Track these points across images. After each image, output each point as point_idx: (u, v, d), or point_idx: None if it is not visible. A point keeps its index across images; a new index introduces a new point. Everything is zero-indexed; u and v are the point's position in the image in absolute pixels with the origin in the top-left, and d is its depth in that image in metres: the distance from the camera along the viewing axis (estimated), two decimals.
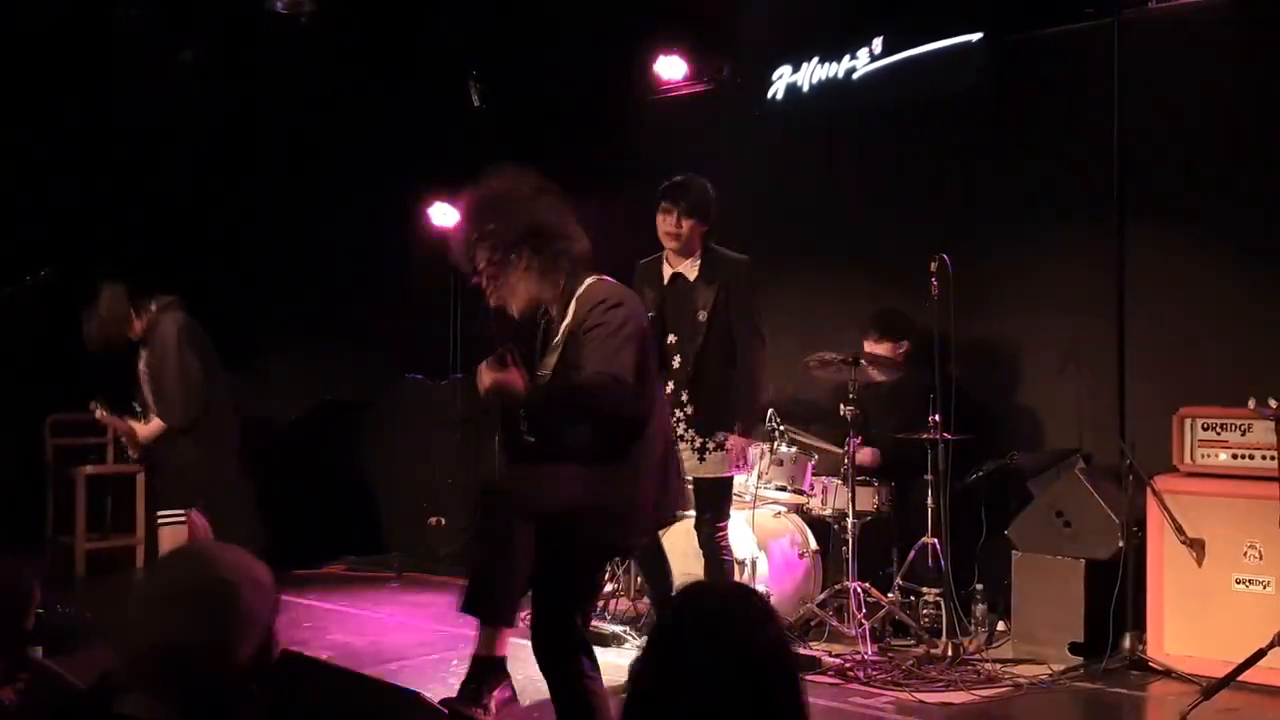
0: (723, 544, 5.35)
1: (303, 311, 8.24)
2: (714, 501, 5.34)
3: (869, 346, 6.32)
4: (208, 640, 1.92)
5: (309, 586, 7.41)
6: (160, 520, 6.33)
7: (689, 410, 5.30)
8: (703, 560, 5.43)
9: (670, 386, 5.28)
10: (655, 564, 5.44)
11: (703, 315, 5.30)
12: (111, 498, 7.97)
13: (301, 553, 7.71)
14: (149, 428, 6.20)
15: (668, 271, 5.45)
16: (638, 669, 1.90)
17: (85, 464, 7.82)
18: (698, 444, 5.30)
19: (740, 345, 5.35)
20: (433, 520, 8.66)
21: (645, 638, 1.89)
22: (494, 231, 3.71)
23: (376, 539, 8.53)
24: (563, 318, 3.79)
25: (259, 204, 8.19)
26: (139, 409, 6.33)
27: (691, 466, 5.21)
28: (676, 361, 5.33)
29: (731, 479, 5.44)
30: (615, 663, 4.87)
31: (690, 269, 5.39)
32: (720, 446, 5.28)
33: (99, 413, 6.32)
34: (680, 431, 5.24)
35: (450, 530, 8.61)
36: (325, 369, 8.67)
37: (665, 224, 5.33)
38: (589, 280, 3.82)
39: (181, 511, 6.32)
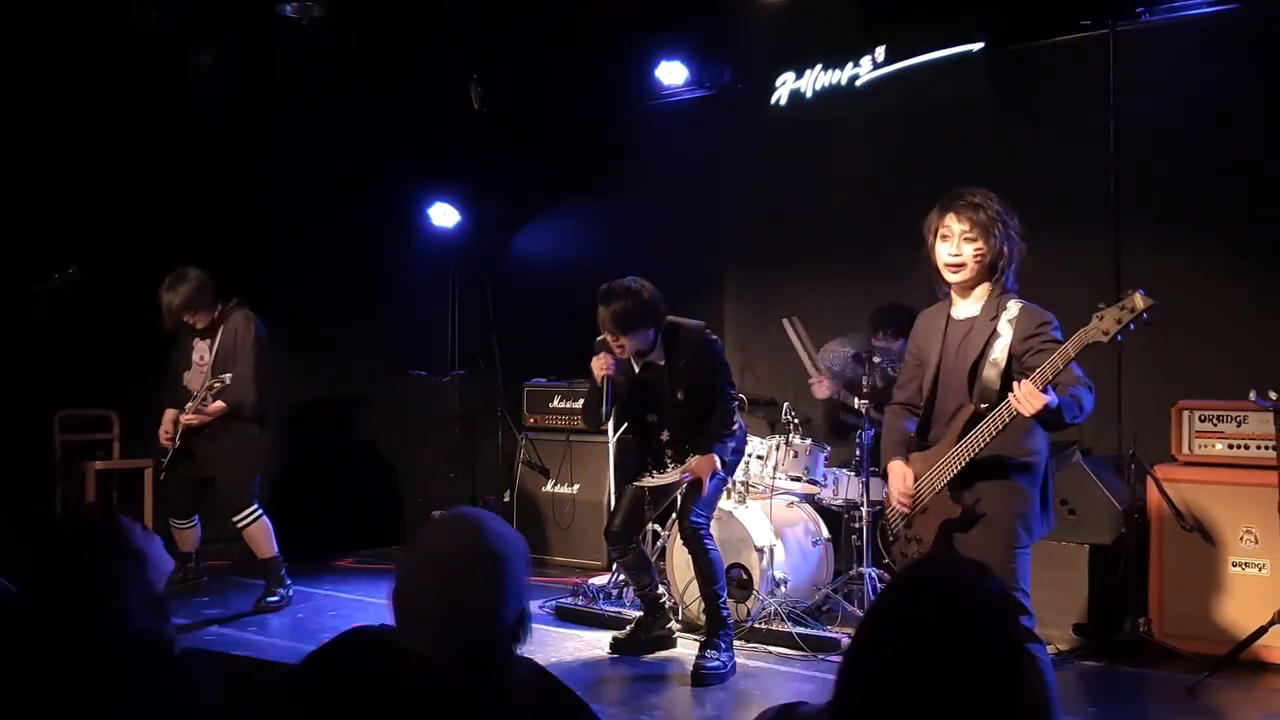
0: (703, 533, 5.52)
1: (306, 309, 8.34)
2: (691, 492, 5.54)
3: (877, 343, 6.55)
4: (480, 601, 2.11)
5: (323, 577, 7.56)
6: (240, 522, 6.56)
7: (672, 463, 5.66)
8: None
9: (654, 462, 5.69)
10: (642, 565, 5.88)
11: (681, 395, 5.56)
12: (119, 493, 8.02)
13: (305, 547, 7.74)
14: (213, 406, 6.46)
15: (638, 363, 5.65)
16: (862, 639, 1.79)
17: (94, 459, 7.89)
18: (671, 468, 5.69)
19: (719, 402, 5.59)
20: (435, 515, 8.77)
21: (873, 608, 1.81)
22: None
23: (378, 534, 8.62)
24: None
25: (263, 203, 8.28)
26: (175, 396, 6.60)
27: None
28: (665, 436, 5.63)
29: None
30: None
31: (657, 356, 5.59)
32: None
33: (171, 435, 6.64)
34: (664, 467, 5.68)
35: None
36: (327, 366, 8.78)
37: (614, 344, 5.51)
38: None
39: (257, 506, 6.54)
